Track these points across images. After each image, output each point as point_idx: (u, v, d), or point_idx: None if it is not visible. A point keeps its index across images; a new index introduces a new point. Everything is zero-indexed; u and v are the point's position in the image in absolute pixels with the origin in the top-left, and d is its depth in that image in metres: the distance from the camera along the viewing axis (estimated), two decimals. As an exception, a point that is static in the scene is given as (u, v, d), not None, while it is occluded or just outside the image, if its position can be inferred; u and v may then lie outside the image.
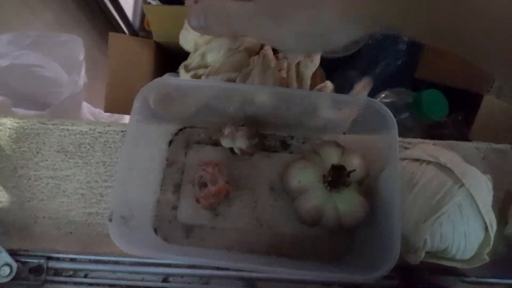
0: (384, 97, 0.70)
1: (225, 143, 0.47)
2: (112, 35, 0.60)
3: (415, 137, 0.53)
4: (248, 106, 0.45)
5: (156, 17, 0.59)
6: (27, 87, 0.84)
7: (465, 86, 0.65)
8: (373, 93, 0.74)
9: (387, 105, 0.70)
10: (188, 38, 0.53)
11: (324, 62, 0.78)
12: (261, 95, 0.43)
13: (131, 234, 0.40)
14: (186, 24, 0.55)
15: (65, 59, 0.89)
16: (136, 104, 0.40)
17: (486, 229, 0.39)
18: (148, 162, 0.46)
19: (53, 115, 0.81)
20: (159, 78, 0.45)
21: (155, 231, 0.47)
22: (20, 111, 0.80)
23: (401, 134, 0.51)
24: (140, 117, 0.41)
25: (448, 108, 0.59)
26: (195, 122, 0.51)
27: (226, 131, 0.46)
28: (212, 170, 0.45)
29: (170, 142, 0.51)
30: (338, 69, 0.80)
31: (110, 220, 0.37)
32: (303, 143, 0.50)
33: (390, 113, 0.39)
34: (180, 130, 0.51)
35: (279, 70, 0.50)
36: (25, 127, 0.51)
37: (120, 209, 0.38)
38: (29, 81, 0.84)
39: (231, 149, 0.48)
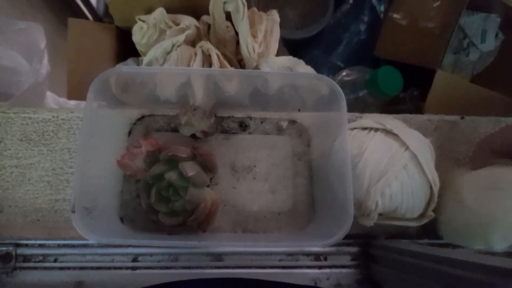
0: (344, 75, 0.72)
1: (185, 131, 0.49)
2: (72, 21, 0.59)
3: (374, 112, 0.56)
4: (203, 89, 0.46)
5: (116, 0, 0.59)
6: (-15, 78, 0.82)
7: (419, 63, 0.68)
8: (334, 72, 0.76)
9: (348, 82, 0.73)
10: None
11: (287, 43, 0.79)
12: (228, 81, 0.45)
13: (96, 223, 0.40)
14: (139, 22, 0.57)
15: (25, 48, 0.87)
16: (91, 94, 0.40)
17: (431, 187, 0.42)
18: (108, 152, 0.47)
19: (16, 106, 0.80)
20: (116, 66, 0.46)
21: (121, 219, 0.48)
22: (-20, 103, 0.78)
23: (360, 110, 0.54)
24: (99, 104, 0.42)
25: (402, 84, 0.62)
26: (154, 110, 0.52)
27: (183, 119, 0.48)
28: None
29: (130, 132, 0.51)
30: (301, 50, 0.82)
31: (73, 211, 0.37)
32: (261, 122, 0.52)
33: (337, 86, 0.40)
34: (139, 119, 0.52)
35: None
36: (-15, 117, 0.50)
37: (82, 200, 0.39)
38: (-13, 71, 0.81)
39: (193, 135, 0.50)
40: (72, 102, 1.00)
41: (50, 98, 0.93)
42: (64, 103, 0.95)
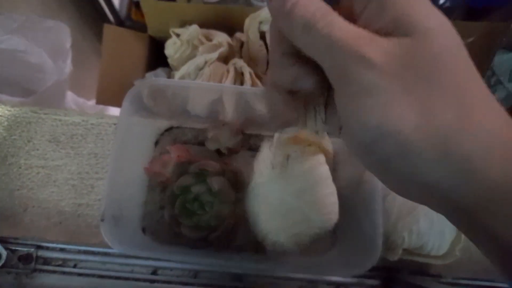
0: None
1: (211, 145, 0.49)
2: (107, 27, 0.59)
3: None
4: (234, 106, 0.47)
5: (152, 11, 0.59)
6: (11, 72, 0.82)
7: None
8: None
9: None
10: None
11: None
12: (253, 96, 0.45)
13: (122, 233, 0.41)
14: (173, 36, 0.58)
15: (50, 46, 0.88)
16: (126, 104, 0.41)
17: (459, 227, 0.42)
18: (135, 162, 0.47)
19: (37, 103, 0.80)
20: (150, 78, 0.46)
21: (143, 230, 0.48)
22: (3, 97, 0.78)
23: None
24: (131, 112, 0.42)
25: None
26: (183, 122, 0.52)
27: (210, 134, 0.48)
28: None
29: (157, 142, 0.52)
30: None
31: (102, 220, 0.37)
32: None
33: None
34: (167, 130, 0.52)
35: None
36: (17, 115, 0.50)
37: (111, 208, 0.39)
38: (13, 66, 0.82)
39: (218, 150, 0.50)
40: (90, 103, 1.01)
41: (70, 97, 0.93)
42: (83, 103, 0.96)
